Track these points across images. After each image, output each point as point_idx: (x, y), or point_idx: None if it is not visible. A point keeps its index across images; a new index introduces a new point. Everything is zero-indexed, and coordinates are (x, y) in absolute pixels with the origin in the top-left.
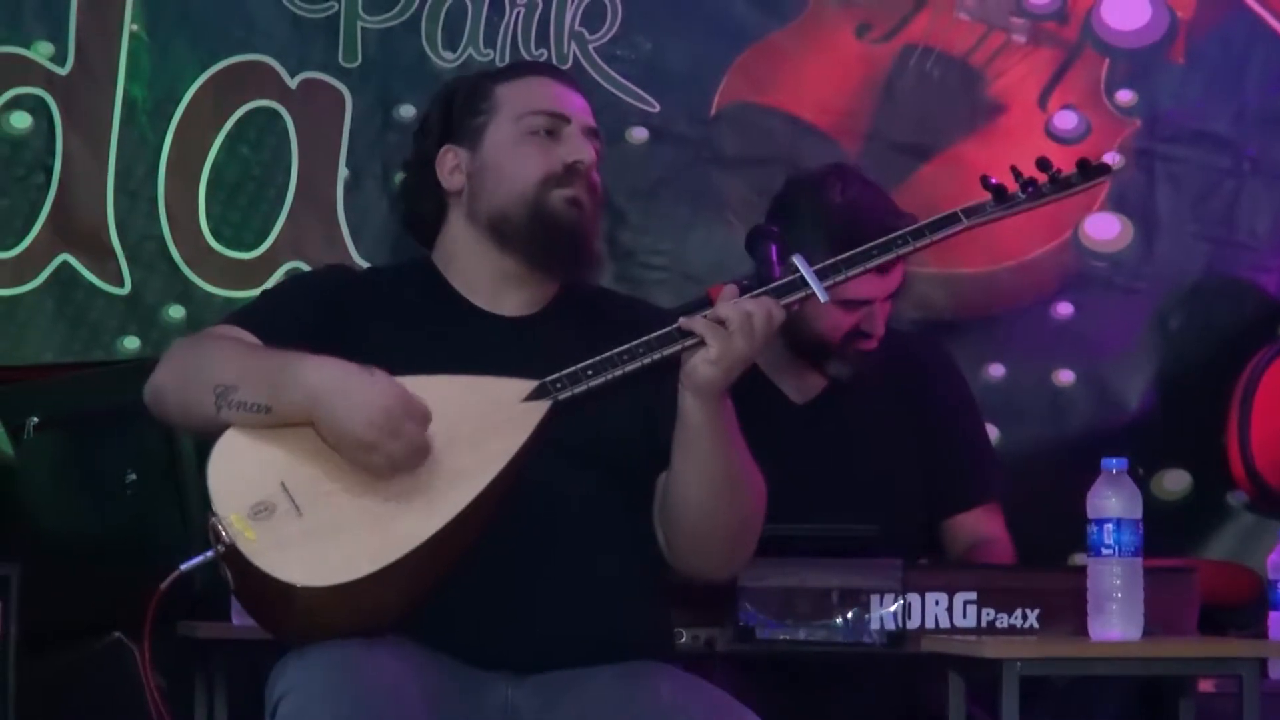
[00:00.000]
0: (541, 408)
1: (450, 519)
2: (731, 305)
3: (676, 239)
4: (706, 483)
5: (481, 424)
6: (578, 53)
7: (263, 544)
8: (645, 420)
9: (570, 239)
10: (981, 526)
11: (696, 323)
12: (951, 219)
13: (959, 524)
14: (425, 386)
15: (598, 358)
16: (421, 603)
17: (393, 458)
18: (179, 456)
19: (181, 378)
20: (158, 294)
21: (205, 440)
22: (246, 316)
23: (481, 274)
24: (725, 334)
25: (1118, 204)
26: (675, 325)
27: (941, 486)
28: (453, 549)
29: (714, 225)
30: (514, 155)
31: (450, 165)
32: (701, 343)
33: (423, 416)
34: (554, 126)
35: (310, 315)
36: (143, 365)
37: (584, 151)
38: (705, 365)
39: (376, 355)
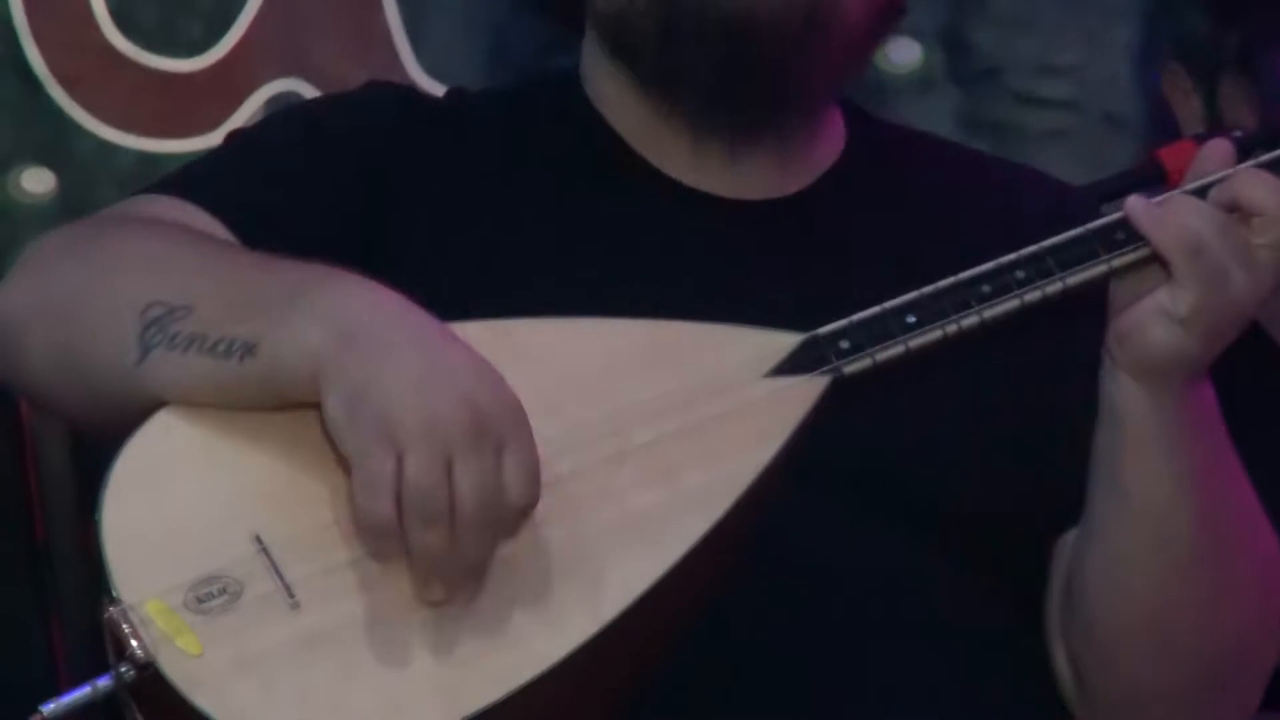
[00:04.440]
0: (809, 389)
1: (614, 617)
2: (1208, 206)
3: (1088, 44)
4: (1160, 550)
5: (682, 423)
6: None
7: (213, 663)
8: (1025, 422)
9: (755, 63)
10: None
11: (1143, 219)
12: None
13: None
14: (565, 344)
15: (923, 290)
16: None
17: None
18: (37, 473)
19: (58, 298)
20: (4, 144)
21: (98, 440)
22: (194, 184)
23: (649, 125)
24: (1205, 257)
25: None
26: (1093, 225)
27: None
28: (616, 675)
29: (1166, 14)
30: None
31: None
32: (1151, 260)
33: (515, 426)
34: None
35: (326, 188)
36: None
37: None
38: (1162, 323)
39: (457, 270)
